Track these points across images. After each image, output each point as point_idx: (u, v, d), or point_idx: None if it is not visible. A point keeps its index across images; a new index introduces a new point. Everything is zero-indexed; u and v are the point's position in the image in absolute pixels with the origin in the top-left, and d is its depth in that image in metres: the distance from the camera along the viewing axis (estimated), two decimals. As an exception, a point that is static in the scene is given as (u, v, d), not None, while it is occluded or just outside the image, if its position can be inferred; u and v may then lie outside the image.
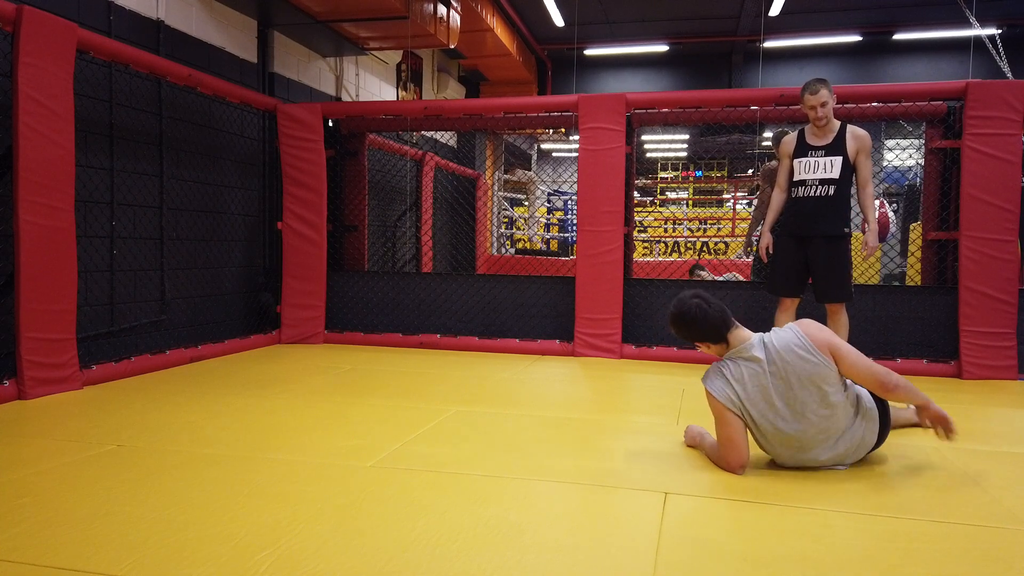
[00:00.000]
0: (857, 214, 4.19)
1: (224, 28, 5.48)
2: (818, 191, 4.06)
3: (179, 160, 4.95)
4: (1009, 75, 8.05)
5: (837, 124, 4.07)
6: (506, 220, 12.45)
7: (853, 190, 4.09)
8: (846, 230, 4.05)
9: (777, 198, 4.29)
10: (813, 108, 3.99)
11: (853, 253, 4.18)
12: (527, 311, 5.28)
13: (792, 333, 2.46)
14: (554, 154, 19.47)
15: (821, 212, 4.05)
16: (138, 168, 4.60)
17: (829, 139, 4.06)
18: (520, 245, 13.76)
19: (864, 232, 4.09)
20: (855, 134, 4.04)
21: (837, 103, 4.80)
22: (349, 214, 5.92)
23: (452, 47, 7.53)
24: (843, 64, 11.56)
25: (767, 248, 4.26)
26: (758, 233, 4.76)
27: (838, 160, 4.02)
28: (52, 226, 3.53)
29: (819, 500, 2.19)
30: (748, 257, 4.26)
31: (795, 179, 4.14)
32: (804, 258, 4.11)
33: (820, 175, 4.05)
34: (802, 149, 4.12)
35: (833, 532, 1.95)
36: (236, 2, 5.51)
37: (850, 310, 4.18)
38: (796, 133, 4.21)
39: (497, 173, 11.49)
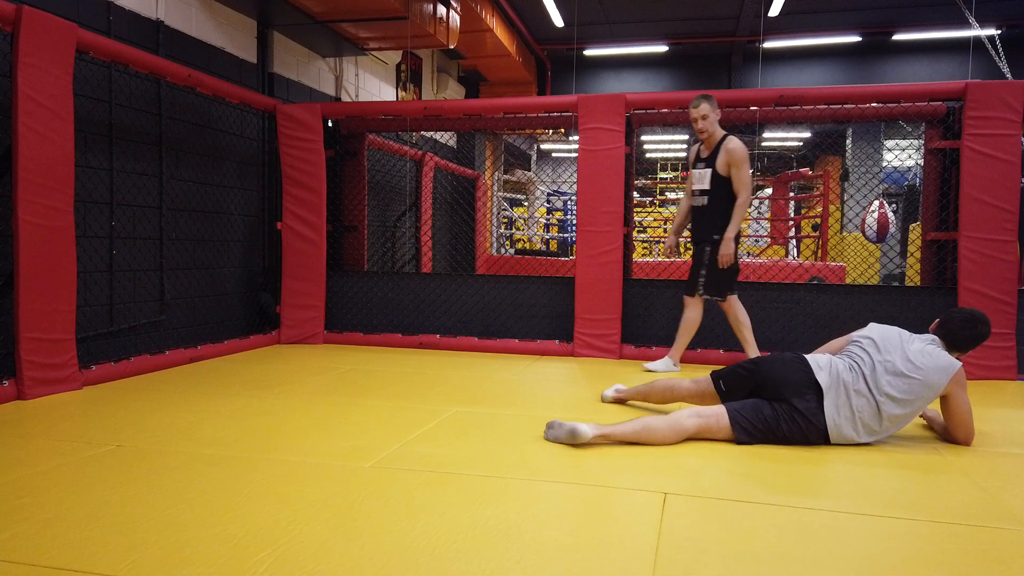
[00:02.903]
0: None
1: (224, 28, 5.48)
2: (698, 201, 4.47)
3: (179, 160, 4.95)
4: (1008, 75, 8.05)
5: (719, 137, 4.37)
6: (505, 220, 12.45)
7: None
8: (715, 236, 4.36)
9: (682, 204, 4.71)
10: (695, 121, 4.37)
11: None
12: (526, 311, 5.28)
13: None
14: (554, 154, 19.48)
15: (698, 220, 4.49)
16: (138, 168, 4.59)
17: (709, 152, 4.41)
18: (520, 245, 13.76)
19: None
20: (727, 148, 4.31)
21: (837, 103, 4.84)
22: (349, 214, 5.92)
23: (452, 47, 7.53)
24: (843, 64, 11.57)
25: (668, 249, 4.68)
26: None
27: (709, 172, 4.37)
28: (52, 226, 3.53)
29: (819, 500, 2.19)
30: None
31: (691, 188, 4.54)
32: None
33: (700, 186, 4.44)
34: (695, 161, 4.53)
35: (833, 532, 1.95)
36: (236, 2, 5.51)
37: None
38: (697, 144, 4.58)
39: (497, 173, 11.50)
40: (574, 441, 2.74)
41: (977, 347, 2.95)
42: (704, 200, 4.41)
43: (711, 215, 4.38)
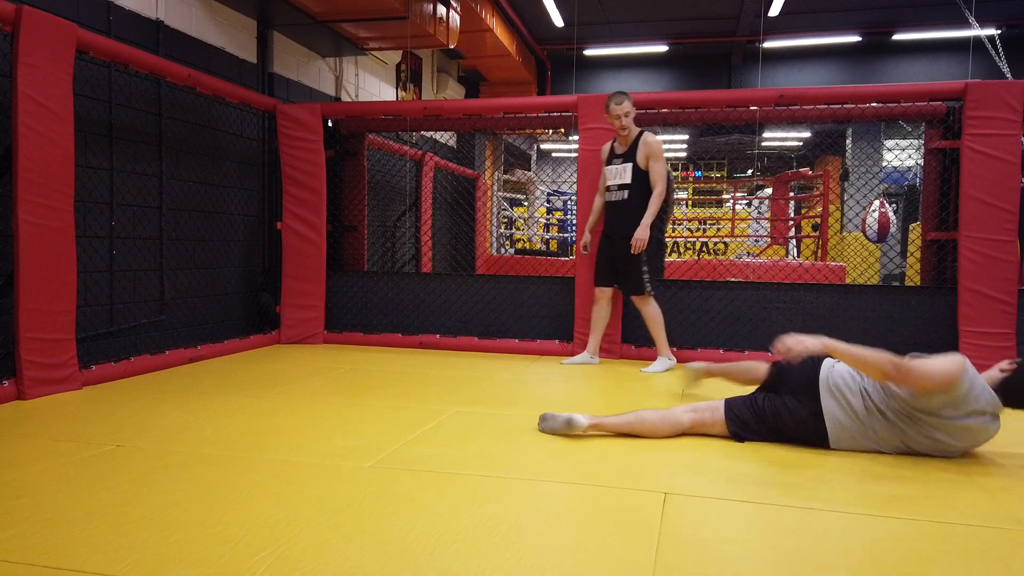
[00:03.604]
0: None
1: (224, 28, 5.48)
2: (617, 196, 4.53)
3: (178, 160, 4.95)
4: (1008, 75, 8.05)
5: (635, 133, 4.48)
6: (505, 220, 12.45)
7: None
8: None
9: (596, 201, 4.77)
10: (617, 118, 4.41)
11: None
12: (526, 311, 5.28)
13: None
14: (554, 154, 19.47)
15: (619, 215, 4.52)
16: (138, 168, 4.59)
17: (627, 147, 4.50)
18: (520, 245, 13.76)
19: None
20: (645, 141, 4.43)
21: (837, 103, 4.84)
22: (348, 214, 5.92)
23: (452, 47, 7.53)
24: (842, 64, 11.57)
25: (583, 247, 4.77)
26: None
27: (629, 167, 4.45)
28: (51, 226, 3.53)
29: (819, 500, 2.19)
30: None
31: (607, 184, 4.60)
32: (613, 255, 4.58)
33: (619, 181, 4.51)
34: (610, 157, 4.61)
35: (833, 532, 1.95)
36: (236, 2, 5.51)
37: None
38: (610, 142, 4.65)
39: (497, 173, 11.49)
40: (569, 431, 2.74)
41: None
42: (624, 194, 4.49)
43: (633, 209, 4.45)
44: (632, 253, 4.41)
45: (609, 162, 4.60)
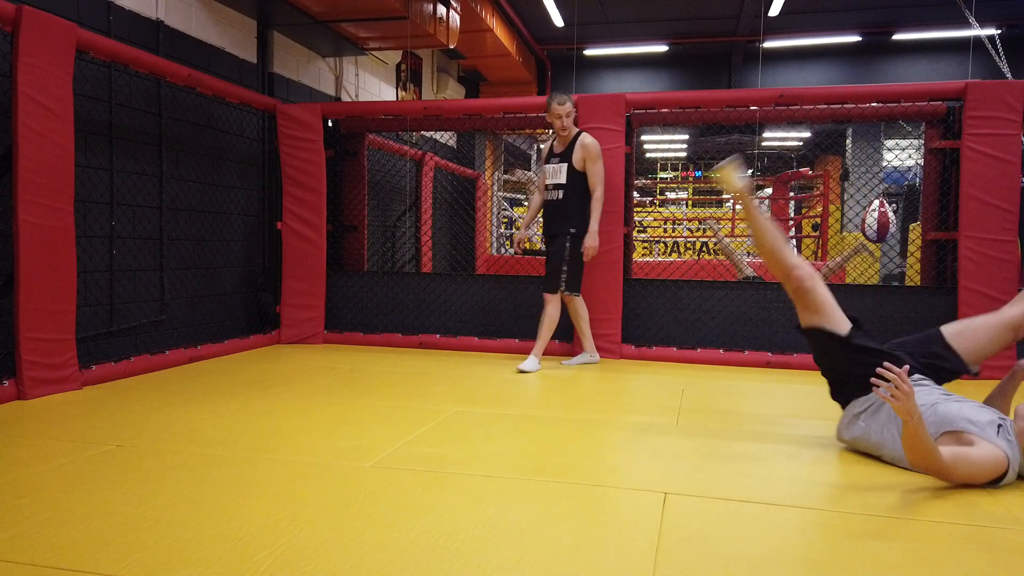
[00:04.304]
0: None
1: (224, 28, 5.48)
2: (552, 195, 4.56)
3: (178, 160, 4.95)
4: (1008, 75, 8.05)
5: (574, 133, 4.51)
6: (505, 220, 12.44)
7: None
8: (572, 230, 4.46)
9: (534, 200, 4.81)
10: (559, 117, 4.43)
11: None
12: (527, 311, 5.28)
13: None
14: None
15: (553, 214, 4.57)
16: (138, 168, 4.59)
17: (565, 147, 4.53)
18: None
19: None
20: (583, 143, 4.46)
21: (837, 103, 4.84)
22: (349, 214, 5.92)
23: (452, 47, 7.53)
24: (842, 64, 11.57)
25: (517, 243, 4.76)
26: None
27: (565, 167, 4.48)
28: (51, 226, 3.53)
29: (818, 500, 2.19)
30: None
31: (545, 183, 4.63)
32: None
33: (555, 180, 4.54)
34: (549, 156, 4.64)
35: (833, 532, 1.95)
36: (236, 2, 5.51)
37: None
38: (549, 142, 4.67)
39: (497, 173, 11.49)
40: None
41: None
42: (559, 194, 4.52)
43: (566, 209, 4.49)
44: (554, 251, 4.48)
45: (547, 161, 4.63)
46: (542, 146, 4.75)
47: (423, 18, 6.41)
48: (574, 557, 1.76)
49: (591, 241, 4.41)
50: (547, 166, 4.62)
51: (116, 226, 4.43)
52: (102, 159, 4.32)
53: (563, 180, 4.49)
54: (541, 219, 4.91)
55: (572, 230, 4.47)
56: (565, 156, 4.52)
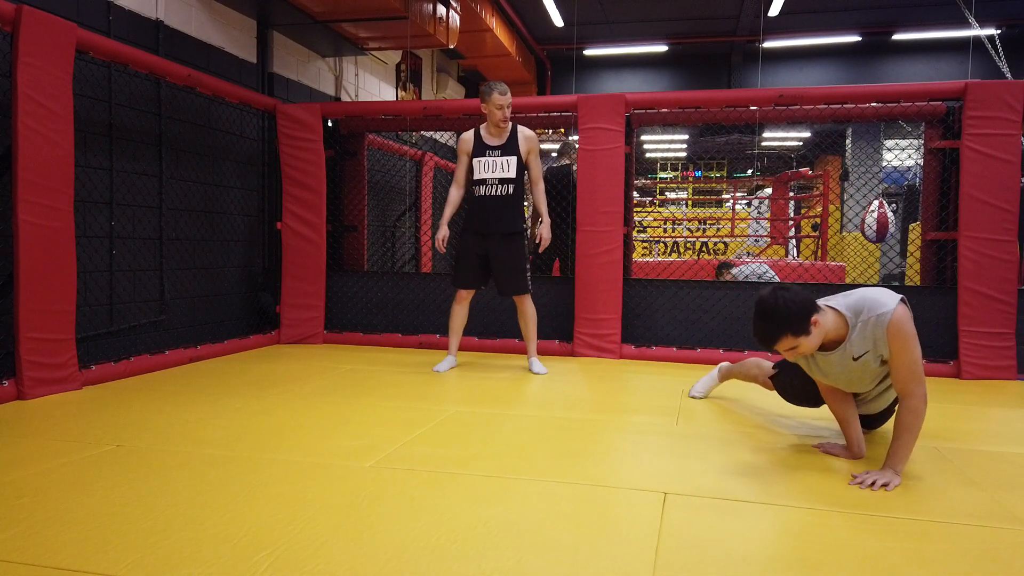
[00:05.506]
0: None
1: (223, 28, 5.48)
2: (498, 190, 4.30)
3: (178, 160, 4.95)
4: (1008, 75, 8.06)
5: (510, 125, 4.31)
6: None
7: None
8: (524, 226, 4.36)
9: (454, 194, 4.45)
10: (501, 108, 4.19)
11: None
12: (527, 311, 5.27)
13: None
14: (553, 154, 19.44)
15: (500, 210, 4.30)
16: (137, 168, 4.59)
17: (504, 139, 4.29)
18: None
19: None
20: (526, 135, 4.30)
21: (837, 103, 4.84)
22: (348, 214, 5.92)
23: (452, 47, 7.53)
24: (842, 64, 11.58)
25: (442, 241, 4.43)
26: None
27: (513, 160, 4.27)
28: (51, 226, 3.53)
29: (818, 500, 2.19)
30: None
31: (475, 178, 4.33)
32: (485, 253, 4.35)
33: (499, 174, 4.28)
34: (480, 148, 4.32)
35: (833, 532, 1.95)
36: (235, 2, 5.51)
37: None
38: (472, 132, 4.38)
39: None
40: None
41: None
42: (509, 188, 4.28)
43: (517, 204, 4.31)
44: (513, 251, 4.30)
45: (480, 153, 4.30)
46: (463, 136, 4.41)
47: (423, 18, 6.41)
48: (574, 557, 1.76)
49: (546, 233, 4.27)
50: (483, 159, 4.29)
51: (116, 226, 4.43)
52: (102, 159, 4.32)
53: (512, 174, 4.27)
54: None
55: (524, 226, 4.38)
56: (509, 149, 4.27)
